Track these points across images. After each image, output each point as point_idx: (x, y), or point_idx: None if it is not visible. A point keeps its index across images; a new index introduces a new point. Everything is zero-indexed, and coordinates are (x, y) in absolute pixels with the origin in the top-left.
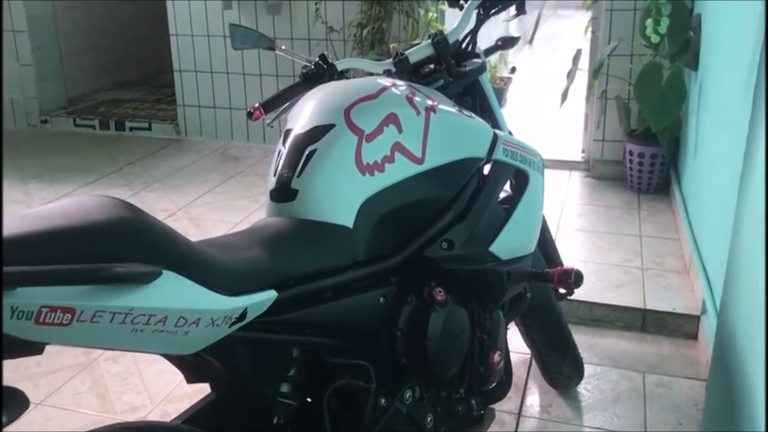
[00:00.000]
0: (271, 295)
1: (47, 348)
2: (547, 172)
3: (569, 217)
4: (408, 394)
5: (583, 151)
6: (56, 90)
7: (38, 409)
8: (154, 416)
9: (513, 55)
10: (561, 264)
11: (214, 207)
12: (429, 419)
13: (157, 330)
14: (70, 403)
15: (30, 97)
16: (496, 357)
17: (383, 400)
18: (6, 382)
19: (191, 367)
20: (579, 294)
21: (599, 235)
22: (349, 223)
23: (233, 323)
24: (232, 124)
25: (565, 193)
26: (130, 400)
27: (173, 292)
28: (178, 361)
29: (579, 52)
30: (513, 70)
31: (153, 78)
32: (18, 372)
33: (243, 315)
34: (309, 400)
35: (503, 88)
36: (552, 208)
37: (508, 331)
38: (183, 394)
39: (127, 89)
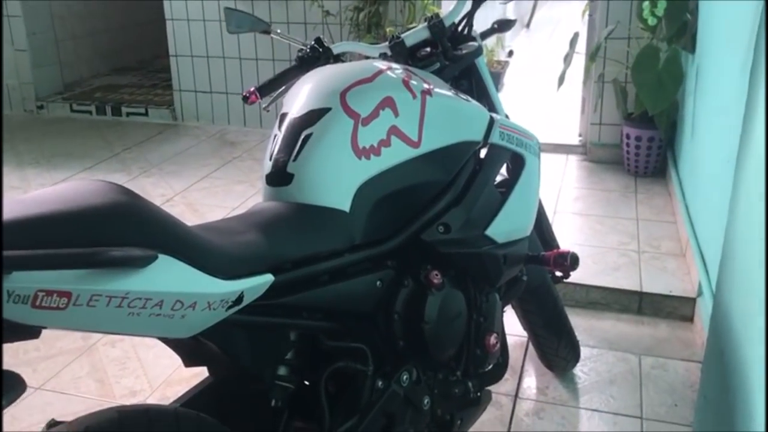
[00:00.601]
0: (267, 278)
1: (46, 333)
2: (544, 155)
3: (566, 200)
4: (405, 377)
5: (580, 135)
6: (52, 75)
7: (37, 393)
8: (153, 400)
9: (510, 38)
10: (557, 247)
11: (211, 192)
12: (426, 401)
13: (153, 314)
14: (69, 387)
15: (26, 83)
16: (493, 339)
17: (380, 383)
18: (5, 367)
19: (189, 351)
20: (576, 277)
21: (596, 219)
22: (346, 207)
23: (230, 307)
24: (228, 109)
25: (562, 177)
26: (129, 384)
27: (169, 276)
28: (175, 344)
29: (576, 35)
30: (510, 53)
31: (150, 63)
32: (17, 356)
33: (239, 299)
34: (307, 382)
35: (500, 71)
36: (549, 191)
37: (505, 314)
38: (182, 377)
39: (123, 74)
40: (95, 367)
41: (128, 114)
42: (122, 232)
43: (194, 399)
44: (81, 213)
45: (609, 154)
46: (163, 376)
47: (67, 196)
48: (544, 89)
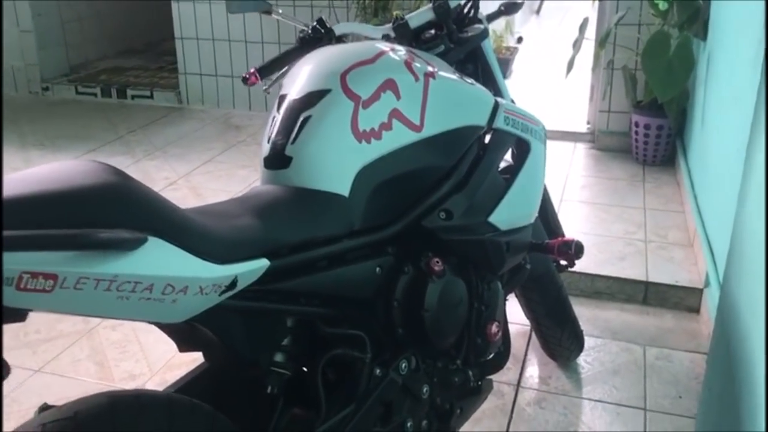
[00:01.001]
0: (262, 263)
1: (46, 315)
2: (552, 143)
3: (572, 188)
4: (404, 365)
5: (588, 123)
6: (58, 57)
7: (36, 376)
8: (152, 384)
9: (519, 25)
10: (562, 235)
11: (214, 176)
12: (425, 390)
13: (143, 298)
14: (68, 370)
15: (31, 64)
16: (494, 328)
17: (378, 371)
18: (5, 350)
19: (183, 336)
20: (581, 266)
21: (602, 208)
22: (345, 191)
23: (223, 292)
24: (233, 93)
25: (569, 165)
26: (128, 367)
27: (159, 259)
28: (169, 329)
29: (586, 20)
30: (519, 40)
31: (156, 46)
32: (18, 338)
33: (233, 283)
34: (304, 369)
35: (509, 58)
36: (555, 179)
37: (508, 302)
38: (182, 362)
39: (129, 57)
40: (95, 350)
41: (133, 97)
42: (111, 214)
43: (189, 385)
44: (69, 193)
45: (617, 142)
46: (162, 360)
47: (57, 175)
48: (552, 76)
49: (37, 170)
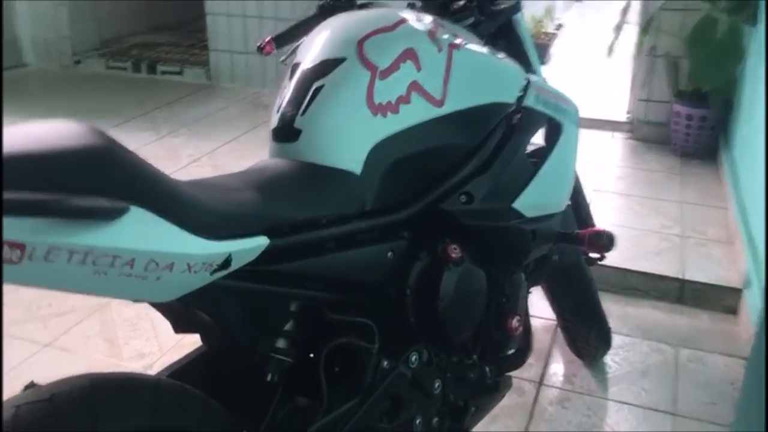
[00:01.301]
0: (261, 241)
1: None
2: (589, 132)
3: (607, 179)
4: (414, 357)
5: (628, 113)
6: (90, 31)
7: (45, 350)
8: (161, 364)
9: (561, 11)
10: (593, 226)
11: (239, 155)
12: (437, 385)
13: (123, 274)
14: (77, 346)
15: (63, 37)
16: (515, 322)
17: (386, 362)
18: (16, 323)
19: (177, 316)
20: (612, 260)
21: (638, 200)
22: (357, 168)
23: (215, 270)
24: (264, 71)
25: (605, 155)
26: (138, 346)
27: (142, 232)
28: (162, 308)
29: (629, 3)
30: (559, 26)
31: (189, 23)
32: (30, 312)
33: (227, 262)
34: (306, 357)
35: (547, 43)
36: (589, 169)
37: (533, 295)
38: (192, 343)
39: (161, 33)
40: (106, 327)
41: (163, 72)
42: (90, 179)
43: (183, 369)
44: (43, 154)
45: (656, 132)
46: (173, 340)
47: (34, 136)
48: (592, 64)
49: (13, 130)
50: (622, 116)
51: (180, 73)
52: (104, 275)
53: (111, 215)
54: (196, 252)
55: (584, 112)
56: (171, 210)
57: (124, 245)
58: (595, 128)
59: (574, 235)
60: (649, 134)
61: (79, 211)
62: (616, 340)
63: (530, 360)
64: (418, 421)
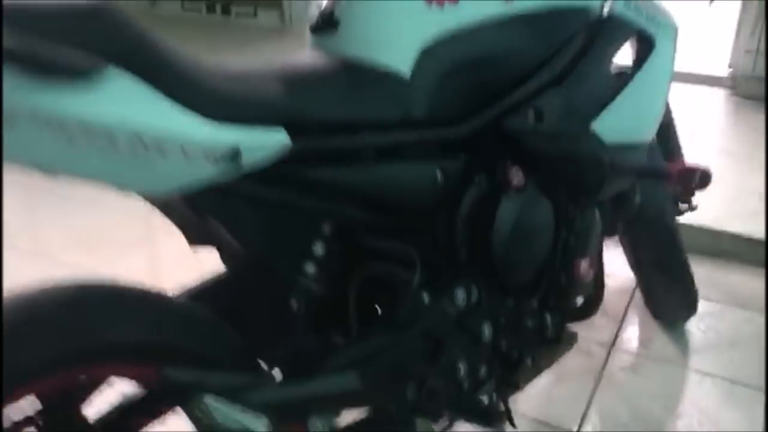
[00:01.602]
0: (278, 135)
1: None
2: (685, 87)
3: (704, 135)
4: (461, 295)
5: (730, 66)
6: None
7: None
8: None
9: None
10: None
11: None
12: (486, 330)
13: (101, 150)
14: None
15: None
16: (584, 266)
17: (427, 298)
18: (58, 249)
19: (191, 226)
20: (703, 219)
21: (737, 158)
22: (405, 69)
23: (221, 163)
24: None
25: (702, 112)
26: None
27: (123, 99)
28: (174, 215)
29: None
30: None
31: None
32: (80, 239)
33: (235, 155)
34: (337, 285)
35: None
36: (685, 124)
37: (610, 250)
38: None
39: None
40: (151, 259)
41: (237, 14)
42: (68, 30)
43: (203, 293)
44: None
45: (763, 89)
46: None
47: None
48: (691, 11)
49: None
50: (723, 71)
51: (254, 14)
52: (81, 150)
53: (82, 73)
54: (192, 132)
55: (680, 66)
56: (163, 76)
57: (96, 113)
58: (693, 83)
59: (661, 169)
60: (754, 90)
61: (42, 61)
62: (702, 305)
63: (602, 321)
64: (461, 368)
